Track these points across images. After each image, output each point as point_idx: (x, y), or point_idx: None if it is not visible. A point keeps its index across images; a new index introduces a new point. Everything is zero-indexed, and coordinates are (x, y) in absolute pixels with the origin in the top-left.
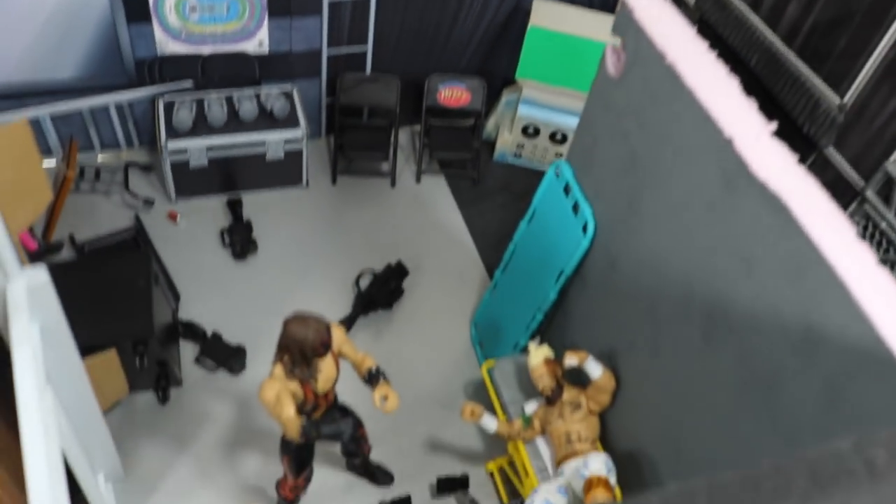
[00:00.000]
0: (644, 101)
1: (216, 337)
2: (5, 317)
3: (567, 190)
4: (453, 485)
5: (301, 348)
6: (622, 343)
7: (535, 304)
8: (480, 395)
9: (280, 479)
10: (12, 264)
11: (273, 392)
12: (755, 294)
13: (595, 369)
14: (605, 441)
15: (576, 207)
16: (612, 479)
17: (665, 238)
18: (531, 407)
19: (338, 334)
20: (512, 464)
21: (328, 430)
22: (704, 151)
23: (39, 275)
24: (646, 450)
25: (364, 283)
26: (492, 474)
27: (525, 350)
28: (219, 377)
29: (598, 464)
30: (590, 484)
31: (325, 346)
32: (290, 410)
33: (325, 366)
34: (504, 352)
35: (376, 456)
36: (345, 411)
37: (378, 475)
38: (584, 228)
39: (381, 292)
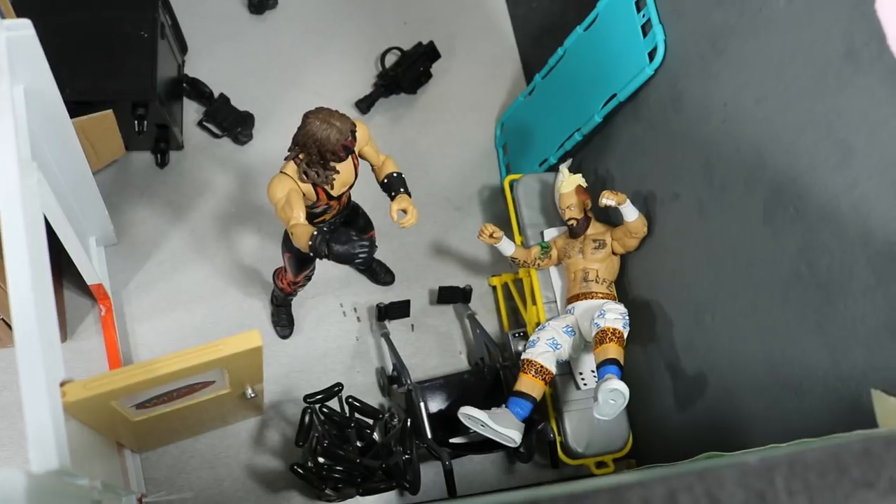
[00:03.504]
0: None
1: (223, 99)
2: None
3: (640, 5)
4: (455, 295)
5: (320, 149)
6: (665, 192)
7: (574, 123)
8: (496, 203)
9: (279, 269)
10: None
11: (283, 192)
12: (843, 187)
13: (631, 213)
14: (621, 285)
15: (646, 27)
16: (626, 334)
17: (748, 94)
18: (551, 234)
19: (362, 133)
20: (518, 283)
21: (340, 250)
22: (831, 4)
23: (22, 27)
24: (663, 308)
25: (390, 61)
26: (495, 290)
27: (552, 169)
28: (222, 144)
29: (615, 315)
30: (603, 335)
31: (346, 150)
32: (299, 216)
33: (344, 168)
34: (529, 165)
35: (378, 252)
36: (364, 224)
37: (379, 273)
38: (652, 54)
39: (406, 74)
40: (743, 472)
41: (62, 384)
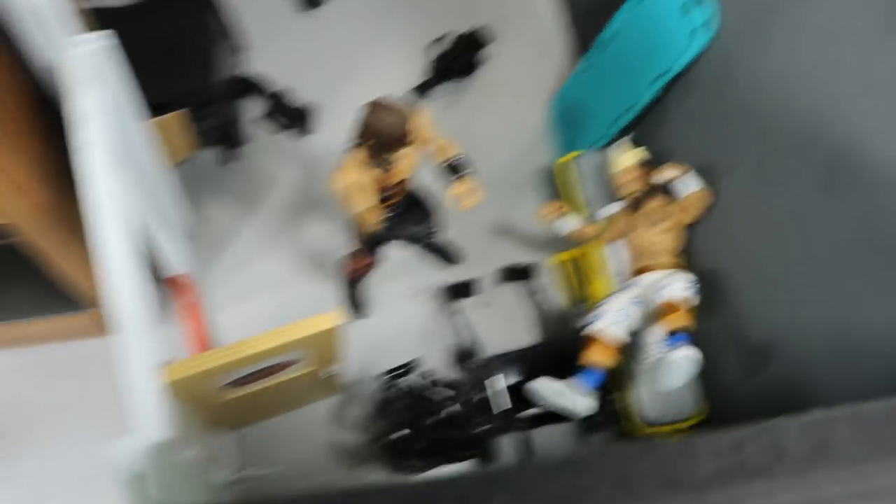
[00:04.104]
0: None
1: (283, 94)
2: (69, 87)
3: None
4: (517, 274)
5: (381, 139)
6: (722, 163)
7: (628, 100)
8: (550, 183)
9: (349, 254)
10: (71, 29)
11: (346, 183)
12: None
13: (691, 184)
14: (687, 255)
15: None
16: (694, 302)
17: (802, 61)
18: (611, 209)
19: (422, 119)
20: (582, 259)
21: (406, 233)
22: None
23: (106, 39)
24: (729, 278)
25: (441, 48)
26: (559, 266)
27: (606, 147)
28: (283, 138)
29: (683, 284)
30: (671, 305)
31: (405, 139)
32: (363, 204)
33: (405, 155)
34: (584, 143)
35: (445, 234)
36: (426, 209)
37: (446, 254)
38: (704, 27)
39: (458, 60)
40: (808, 422)
41: (163, 365)
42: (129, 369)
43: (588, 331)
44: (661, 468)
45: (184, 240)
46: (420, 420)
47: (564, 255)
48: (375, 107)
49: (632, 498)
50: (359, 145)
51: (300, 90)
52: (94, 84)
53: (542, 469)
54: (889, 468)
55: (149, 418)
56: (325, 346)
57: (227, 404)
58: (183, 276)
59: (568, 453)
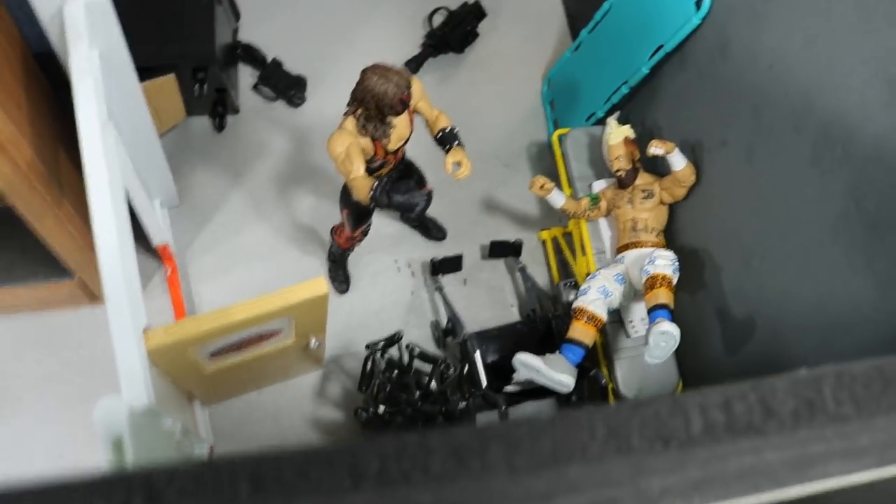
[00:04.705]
0: None
1: (277, 64)
2: (64, 43)
3: None
4: (506, 249)
5: (378, 104)
6: (713, 139)
7: (622, 76)
8: (544, 159)
9: (337, 226)
10: None
11: (342, 146)
12: (893, 125)
13: (679, 161)
14: (670, 233)
15: None
16: (675, 279)
17: (795, 37)
18: (599, 186)
19: (416, 88)
20: (567, 236)
21: (400, 199)
22: None
23: None
24: (711, 253)
25: (437, 21)
26: (544, 243)
27: (599, 122)
28: (276, 107)
29: (665, 261)
30: (653, 281)
31: (403, 104)
32: (359, 168)
33: (400, 123)
34: (577, 120)
35: (430, 209)
36: (419, 178)
37: (432, 229)
38: (698, 3)
39: (454, 33)
40: (794, 382)
41: (145, 331)
42: (117, 334)
43: (572, 308)
44: (652, 424)
45: (166, 209)
46: (402, 394)
47: (550, 232)
48: (374, 71)
49: (622, 451)
50: (357, 109)
51: (294, 60)
52: (90, 40)
53: (535, 424)
54: (871, 427)
55: (132, 382)
56: (309, 315)
57: (208, 375)
58: (163, 247)
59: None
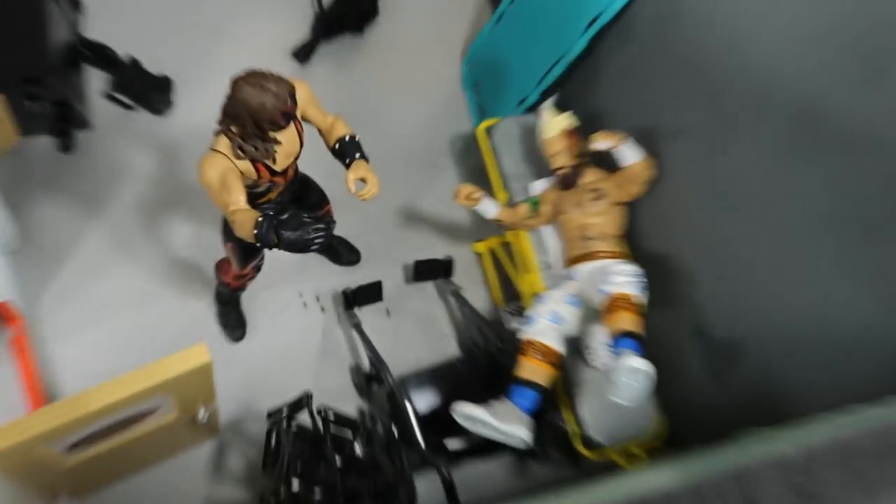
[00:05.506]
0: None
1: (134, 64)
2: None
3: None
4: (434, 269)
5: (256, 119)
6: (668, 126)
7: (554, 54)
8: (471, 154)
9: (222, 261)
10: None
11: (216, 173)
12: (879, 102)
13: (630, 155)
14: (631, 238)
15: None
16: (643, 299)
17: (757, 8)
18: (539, 187)
19: (302, 94)
20: (507, 246)
21: (291, 237)
22: None
23: None
24: (682, 260)
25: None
26: (480, 257)
27: (533, 109)
28: (137, 118)
29: (625, 277)
30: (614, 303)
31: (287, 117)
32: (239, 199)
33: (286, 138)
34: (506, 107)
35: (341, 228)
36: (318, 197)
37: (342, 252)
38: None
39: (349, 11)
40: (783, 468)
41: None
42: None
43: (518, 340)
44: None
45: (5, 254)
46: (316, 468)
47: (486, 244)
48: (246, 80)
49: None
50: (230, 127)
51: (156, 59)
52: None
53: None
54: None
55: None
56: (192, 387)
57: (72, 470)
58: (1, 305)
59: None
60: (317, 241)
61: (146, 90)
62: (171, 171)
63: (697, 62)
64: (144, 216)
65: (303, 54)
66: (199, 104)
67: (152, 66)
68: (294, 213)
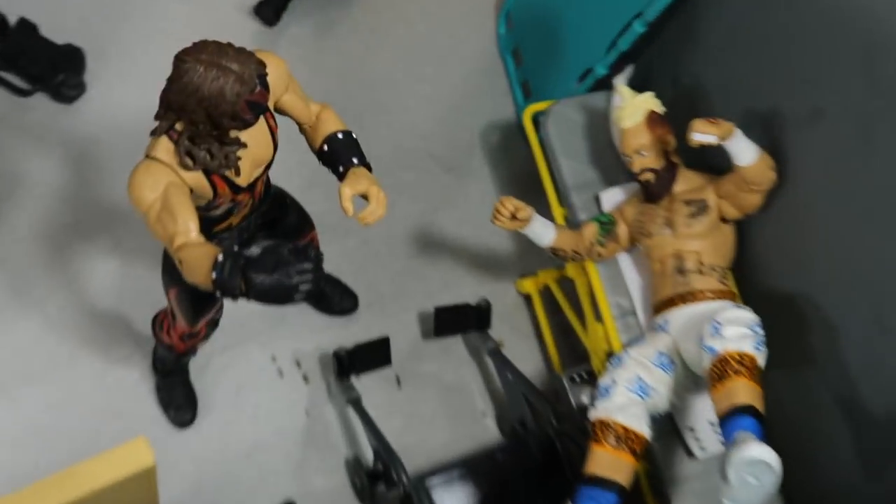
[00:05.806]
0: None
1: (27, 29)
2: None
3: None
4: (463, 319)
5: (211, 112)
6: (799, 108)
7: (632, 7)
8: (512, 154)
9: (162, 313)
10: None
11: (154, 190)
12: None
13: (745, 152)
14: (740, 272)
15: None
16: (761, 359)
17: None
18: (613, 198)
19: (276, 73)
20: (566, 283)
21: (266, 282)
22: None
23: None
24: (817, 305)
25: None
26: (528, 300)
27: (602, 86)
28: (35, 105)
29: (741, 329)
30: (724, 366)
31: (255, 108)
32: (188, 229)
33: (254, 138)
34: (562, 83)
35: (331, 261)
36: (299, 221)
37: (332, 296)
38: None
39: None
40: None
41: None
42: None
43: (588, 420)
44: None
45: None
46: None
47: (537, 280)
48: (197, 58)
49: None
50: (173, 124)
51: (59, 23)
52: None
53: None
54: None
55: None
56: (125, 498)
57: None
58: None
59: None
60: (302, 287)
61: (47, 67)
62: (86, 184)
63: (840, 15)
64: (48, 247)
65: (269, 12)
66: (123, 88)
67: (54, 33)
68: (269, 248)
